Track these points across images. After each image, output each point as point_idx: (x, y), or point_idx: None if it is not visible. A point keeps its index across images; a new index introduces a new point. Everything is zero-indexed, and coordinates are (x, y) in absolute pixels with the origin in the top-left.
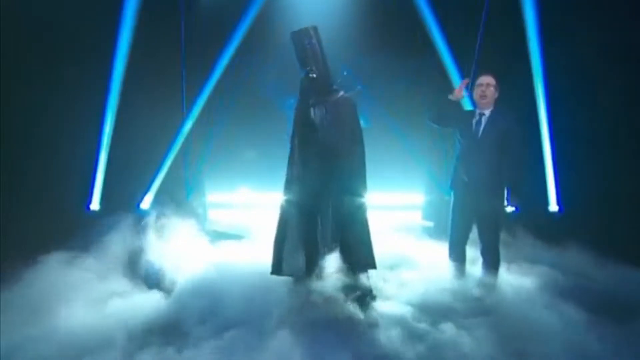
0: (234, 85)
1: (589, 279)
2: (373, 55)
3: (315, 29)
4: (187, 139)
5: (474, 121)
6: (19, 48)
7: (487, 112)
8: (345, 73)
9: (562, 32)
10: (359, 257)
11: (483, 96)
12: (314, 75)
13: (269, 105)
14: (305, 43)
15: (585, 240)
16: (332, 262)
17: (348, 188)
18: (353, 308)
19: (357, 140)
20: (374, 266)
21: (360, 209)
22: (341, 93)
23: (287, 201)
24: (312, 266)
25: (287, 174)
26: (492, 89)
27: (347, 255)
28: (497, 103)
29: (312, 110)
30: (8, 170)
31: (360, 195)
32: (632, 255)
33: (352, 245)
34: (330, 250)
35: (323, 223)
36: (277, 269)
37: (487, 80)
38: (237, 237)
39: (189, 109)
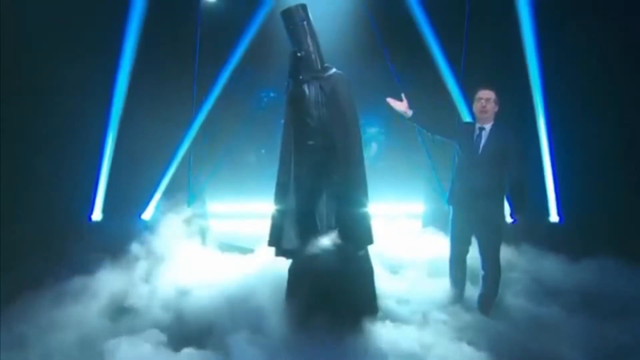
0: (238, 96)
1: (592, 287)
2: (373, 64)
3: (304, 6)
4: (189, 150)
5: (474, 135)
6: (22, 57)
7: (487, 127)
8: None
9: (559, 43)
10: (356, 234)
11: (483, 111)
12: (301, 54)
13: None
14: (295, 22)
15: (587, 249)
16: (329, 239)
17: (346, 164)
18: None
19: (353, 116)
20: (371, 241)
21: (358, 185)
22: (333, 70)
23: (283, 181)
24: (309, 242)
25: (282, 154)
26: (492, 103)
27: (345, 232)
28: (498, 117)
29: (305, 87)
30: (9, 180)
31: (359, 171)
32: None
33: (349, 222)
34: (328, 227)
35: (321, 200)
36: (275, 243)
37: (487, 94)
38: (239, 247)
39: (193, 119)
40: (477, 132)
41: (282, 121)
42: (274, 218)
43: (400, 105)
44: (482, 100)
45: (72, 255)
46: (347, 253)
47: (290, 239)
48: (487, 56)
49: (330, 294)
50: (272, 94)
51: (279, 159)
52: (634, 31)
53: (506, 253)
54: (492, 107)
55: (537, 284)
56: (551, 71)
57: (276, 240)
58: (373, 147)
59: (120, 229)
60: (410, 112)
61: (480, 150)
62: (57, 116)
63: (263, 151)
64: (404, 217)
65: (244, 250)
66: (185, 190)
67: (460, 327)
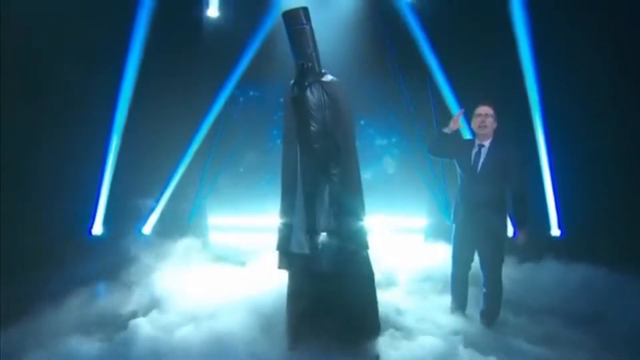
0: (238, 114)
1: (596, 302)
2: (375, 81)
3: (306, 9)
4: (191, 164)
5: (473, 152)
6: (25, 70)
7: (486, 143)
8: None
9: (557, 57)
10: (355, 237)
11: (482, 126)
12: (308, 65)
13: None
14: (299, 24)
15: (589, 263)
16: (330, 242)
17: (344, 167)
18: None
19: (351, 121)
20: (366, 246)
21: (356, 189)
22: (330, 77)
23: (288, 185)
24: (313, 246)
25: (285, 158)
26: (490, 119)
27: (344, 235)
28: (497, 133)
29: (309, 90)
30: (10, 194)
31: (356, 175)
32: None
33: (348, 224)
34: (328, 230)
35: (323, 203)
36: (283, 247)
37: (485, 110)
38: (237, 261)
39: (194, 135)
40: (476, 149)
41: (274, 131)
42: (282, 223)
43: (454, 123)
44: (481, 116)
45: (72, 270)
46: (347, 256)
47: (299, 242)
48: (486, 71)
49: (331, 299)
50: (251, 93)
51: (283, 164)
52: (634, 45)
53: (508, 267)
54: (490, 123)
55: (538, 297)
56: (550, 85)
57: (285, 244)
58: (389, 161)
59: (121, 243)
60: (456, 129)
61: (479, 168)
62: (59, 131)
63: (241, 170)
64: (406, 231)
65: (243, 264)
66: (185, 205)
67: (460, 340)
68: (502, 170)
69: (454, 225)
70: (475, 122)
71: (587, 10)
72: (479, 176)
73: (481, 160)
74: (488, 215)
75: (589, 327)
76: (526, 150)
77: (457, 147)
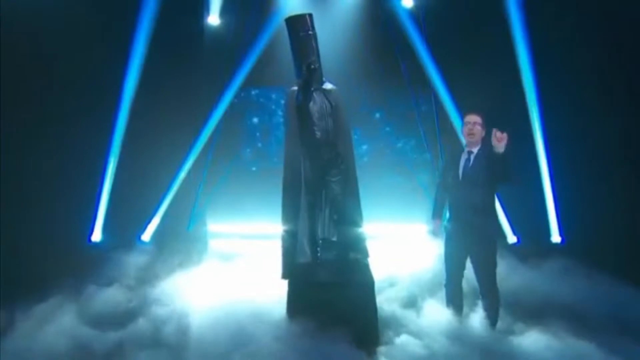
0: (237, 121)
1: (597, 308)
2: (376, 90)
3: (311, 16)
4: (190, 171)
5: (463, 159)
6: (25, 79)
7: (475, 150)
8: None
9: (557, 63)
10: (354, 246)
11: (471, 134)
12: (316, 67)
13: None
14: (306, 30)
15: (590, 270)
16: (330, 250)
17: (346, 174)
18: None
19: (350, 128)
20: (367, 255)
21: (355, 199)
22: (331, 85)
23: (288, 191)
24: (315, 255)
25: (287, 163)
26: (478, 127)
27: (344, 244)
28: (485, 140)
29: (312, 97)
30: (9, 201)
31: (354, 181)
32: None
33: (348, 234)
34: (329, 239)
35: (324, 212)
36: (289, 259)
37: (473, 118)
38: (237, 269)
39: (194, 143)
40: (466, 155)
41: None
42: (286, 232)
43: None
44: (469, 124)
45: (71, 276)
46: (347, 264)
47: (303, 251)
48: (485, 76)
49: (331, 307)
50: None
51: (285, 171)
52: (634, 52)
53: (508, 273)
54: (478, 131)
55: (539, 303)
56: (550, 91)
57: (289, 254)
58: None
59: (120, 251)
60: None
61: (468, 174)
62: (59, 138)
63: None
64: (406, 238)
65: (243, 271)
66: (185, 212)
67: (462, 345)
68: (489, 173)
69: (444, 233)
70: (464, 130)
71: (589, 19)
72: (467, 181)
73: (470, 166)
74: (479, 221)
75: (590, 334)
76: (524, 155)
77: (446, 159)
